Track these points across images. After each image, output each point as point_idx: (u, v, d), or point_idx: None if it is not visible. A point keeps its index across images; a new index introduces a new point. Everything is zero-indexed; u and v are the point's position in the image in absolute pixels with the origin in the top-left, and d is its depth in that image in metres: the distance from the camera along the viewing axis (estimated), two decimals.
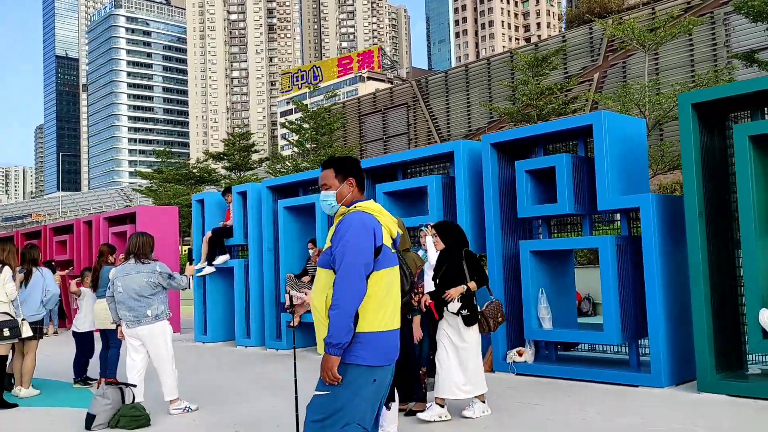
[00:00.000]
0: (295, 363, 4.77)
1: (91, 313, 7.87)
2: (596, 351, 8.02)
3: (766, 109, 6.52)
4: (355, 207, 3.05)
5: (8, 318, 6.61)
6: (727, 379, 6.11)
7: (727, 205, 6.64)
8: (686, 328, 6.55)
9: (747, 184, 6.01)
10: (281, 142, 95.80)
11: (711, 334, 6.19)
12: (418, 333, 5.53)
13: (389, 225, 3.05)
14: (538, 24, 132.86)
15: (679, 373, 6.53)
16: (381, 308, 2.94)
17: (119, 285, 6.10)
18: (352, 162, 3.20)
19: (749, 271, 5.99)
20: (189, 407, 6.19)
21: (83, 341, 8.04)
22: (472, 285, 5.44)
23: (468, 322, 5.41)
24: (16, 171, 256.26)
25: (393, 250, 3.04)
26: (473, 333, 5.53)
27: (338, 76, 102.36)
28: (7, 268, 6.72)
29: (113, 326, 7.67)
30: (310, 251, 9.65)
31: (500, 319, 5.76)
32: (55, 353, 10.54)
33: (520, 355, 7.44)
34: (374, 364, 2.90)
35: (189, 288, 7.27)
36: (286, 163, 41.55)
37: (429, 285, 5.87)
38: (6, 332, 6.53)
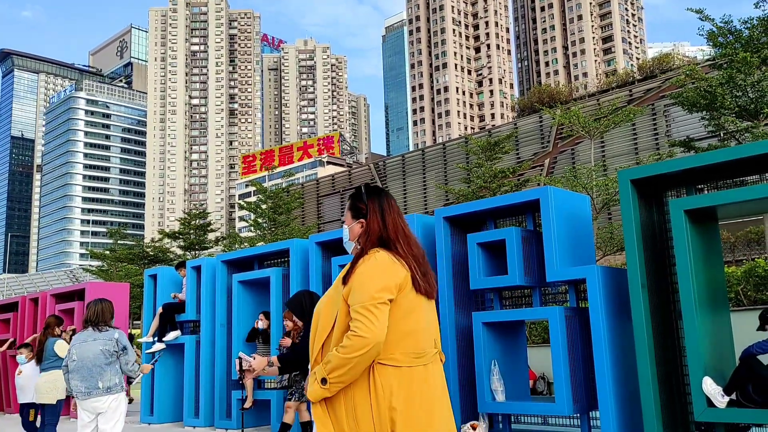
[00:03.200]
0: None
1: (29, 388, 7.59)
2: (549, 424, 8.01)
3: (700, 186, 6.93)
4: None
5: None
6: None
7: (669, 277, 6.91)
8: (636, 397, 6.64)
9: (685, 257, 6.29)
10: (239, 224, 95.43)
11: (658, 403, 6.29)
12: None
13: None
14: (492, 114, 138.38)
15: None
16: None
17: (74, 353, 5.79)
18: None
19: (691, 341, 6.17)
20: None
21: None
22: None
23: None
24: None
25: None
26: None
27: (298, 160, 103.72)
28: None
29: (53, 401, 7.40)
30: (260, 324, 9.52)
31: None
32: None
33: (474, 428, 7.38)
34: None
35: (136, 378, 7.06)
36: (244, 244, 41.35)
37: None
38: None
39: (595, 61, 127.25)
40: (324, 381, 2.43)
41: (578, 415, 7.14)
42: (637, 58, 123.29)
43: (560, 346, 6.84)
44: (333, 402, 2.48)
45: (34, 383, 7.57)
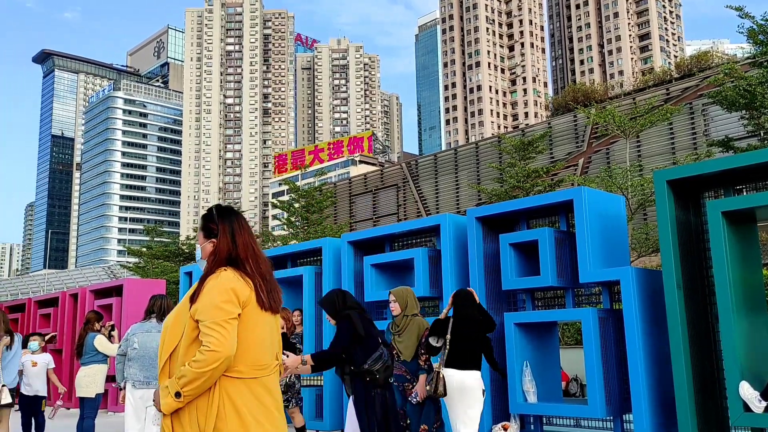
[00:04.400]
0: None
1: (38, 378, 7.78)
2: (581, 426, 7.95)
3: (738, 187, 6.81)
4: None
5: None
6: None
7: (705, 279, 6.80)
8: (670, 400, 6.56)
9: (722, 259, 6.19)
10: (272, 223, 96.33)
11: (693, 406, 6.20)
12: (422, 392, 5.78)
13: None
14: (526, 113, 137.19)
15: None
16: None
17: (136, 342, 5.86)
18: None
19: (728, 344, 6.08)
20: None
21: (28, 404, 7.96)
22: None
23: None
24: (2, 248, 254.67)
25: None
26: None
27: (331, 159, 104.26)
28: None
29: (93, 395, 7.60)
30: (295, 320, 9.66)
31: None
32: None
33: (505, 429, 7.37)
34: None
35: None
36: (278, 243, 41.71)
37: None
38: None
39: (632, 59, 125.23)
40: (178, 395, 2.55)
41: (611, 418, 7.08)
42: (675, 56, 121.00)
43: (593, 348, 6.79)
44: (179, 413, 2.61)
45: (44, 374, 7.81)
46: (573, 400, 8.51)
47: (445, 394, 5.69)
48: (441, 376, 5.68)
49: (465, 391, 5.74)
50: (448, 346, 5.82)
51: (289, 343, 7.14)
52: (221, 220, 2.86)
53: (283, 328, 7.29)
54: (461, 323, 5.97)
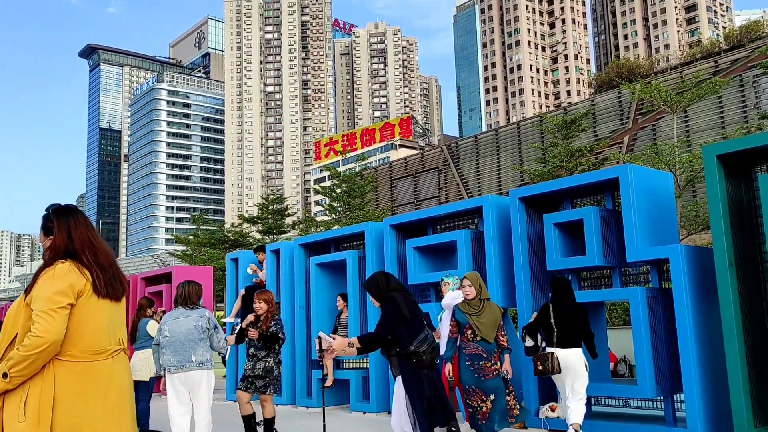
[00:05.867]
0: (324, 420, 4.82)
1: None
2: (630, 407, 7.85)
3: None
4: None
5: None
6: None
7: (759, 256, 6.61)
8: (722, 380, 6.42)
9: None
10: (314, 209, 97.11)
11: (747, 386, 6.06)
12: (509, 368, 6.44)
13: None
14: (568, 92, 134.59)
15: (716, 427, 6.37)
16: None
17: (167, 329, 6.06)
18: None
19: None
20: None
21: None
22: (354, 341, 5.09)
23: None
24: None
25: None
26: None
27: (371, 144, 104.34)
28: None
29: (147, 378, 7.84)
30: (339, 306, 9.77)
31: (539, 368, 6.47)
32: None
33: (553, 410, 7.33)
34: None
35: (226, 355, 7.32)
36: (320, 228, 42.09)
37: (444, 329, 6.95)
38: None
39: (678, 31, 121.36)
40: (5, 375, 2.74)
41: (661, 398, 6.97)
42: (723, 27, 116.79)
43: (642, 327, 6.69)
44: (10, 394, 2.80)
45: None
46: (622, 380, 8.41)
47: (560, 371, 6.39)
48: (555, 356, 6.37)
49: (570, 367, 6.43)
50: (555, 329, 6.48)
51: (266, 333, 6.86)
52: (57, 218, 3.06)
53: (261, 311, 7.02)
54: (561, 308, 6.53)
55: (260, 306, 7.05)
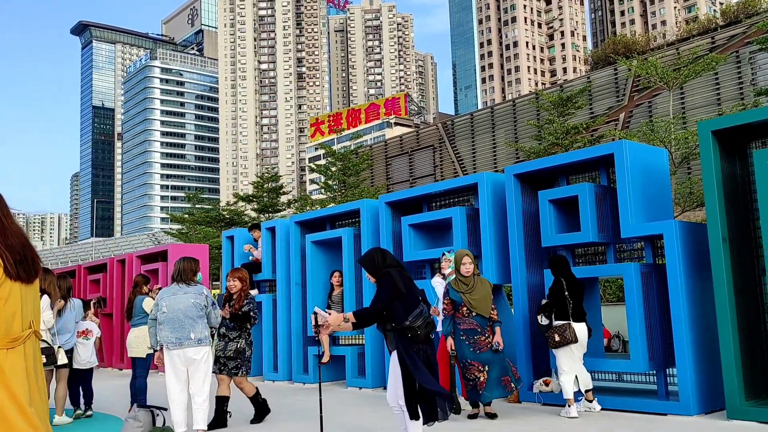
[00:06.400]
0: (321, 395, 4.87)
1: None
2: (623, 381, 7.94)
3: None
4: None
5: (45, 345, 6.81)
6: (757, 406, 6.02)
7: (752, 231, 6.64)
8: (714, 355, 6.49)
9: None
10: (310, 187, 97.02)
11: (739, 360, 6.13)
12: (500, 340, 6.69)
13: None
14: (564, 69, 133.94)
15: (708, 401, 6.45)
16: None
17: (164, 305, 6.01)
18: None
19: None
20: None
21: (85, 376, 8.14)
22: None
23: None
24: (51, 218, 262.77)
25: None
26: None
27: (366, 122, 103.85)
28: (45, 297, 6.95)
29: (143, 355, 7.87)
30: (333, 282, 9.81)
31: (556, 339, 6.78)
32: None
33: (547, 384, 7.40)
34: None
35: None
36: (316, 206, 42.06)
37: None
38: (43, 359, 6.73)
39: (674, 7, 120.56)
40: None
41: (654, 372, 7.05)
42: (721, 3, 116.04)
43: (636, 303, 6.74)
44: None
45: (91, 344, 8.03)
46: (615, 356, 8.50)
47: (577, 341, 6.67)
48: (572, 326, 6.66)
49: (582, 339, 6.77)
50: (571, 302, 6.74)
51: (239, 313, 6.82)
52: None
53: (234, 289, 6.89)
54: (572, 284, 6.80)
55: (233, 284, 6.89)
